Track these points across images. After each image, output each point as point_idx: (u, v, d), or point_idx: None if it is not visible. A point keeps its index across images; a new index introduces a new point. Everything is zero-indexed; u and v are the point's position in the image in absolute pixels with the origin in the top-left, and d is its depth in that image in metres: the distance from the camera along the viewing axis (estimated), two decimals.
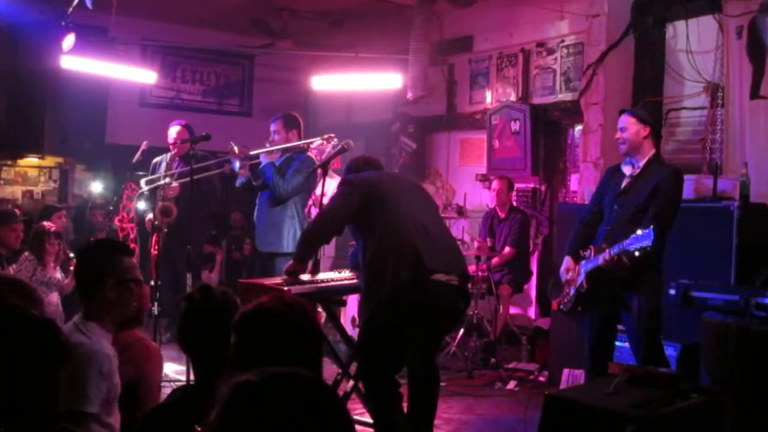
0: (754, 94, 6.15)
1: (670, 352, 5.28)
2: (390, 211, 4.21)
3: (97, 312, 2.93)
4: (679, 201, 4.73)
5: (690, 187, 5.84)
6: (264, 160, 6.02)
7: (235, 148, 5.95)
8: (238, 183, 6.24)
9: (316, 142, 5.99)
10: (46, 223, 6.40)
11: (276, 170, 6.00)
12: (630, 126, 4.76)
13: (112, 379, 2.88)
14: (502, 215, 7.75)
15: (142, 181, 6.80)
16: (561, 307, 4.96)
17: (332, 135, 5.82)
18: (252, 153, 6.07)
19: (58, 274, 6.24)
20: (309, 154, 6.23)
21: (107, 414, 2.84)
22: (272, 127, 6.23)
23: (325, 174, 5.10)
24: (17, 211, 6.85)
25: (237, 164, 6.02)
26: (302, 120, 6.55)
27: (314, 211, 6.57)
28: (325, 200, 4.96)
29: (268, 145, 6.17)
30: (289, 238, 6.05)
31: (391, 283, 4.06)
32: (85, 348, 2.80)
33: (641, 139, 4.74)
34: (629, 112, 4.90)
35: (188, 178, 5.96)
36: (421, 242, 4.13)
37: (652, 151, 4.77)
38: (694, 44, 6.73)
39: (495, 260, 7.49)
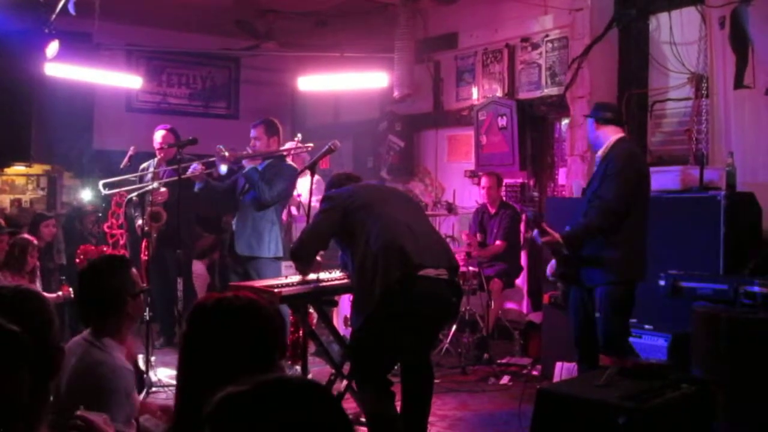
0: (738, 83, 6.19)
1: (661, 342, 5.32)
2: (372, 219, 4.24)
3: (115, 328, 2.96)
4: (626, 175, 4.72)
5: (677, 177, 5.87)
6: (247, 165, 6.01)
7: (225, 152, 5.91)
8: (196, 188, 6.18)
9: (288, 144, 6.04)
10: (28, 236, 6.38)
11: (260, 176, 5.99)
12: (587, 126, 5.09)
13: (133, 394, 2.90)
14: (492, 211, 7.77)
15: (100, 184, 6.70)
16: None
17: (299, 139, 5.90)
18: (240, 156, 6.06)
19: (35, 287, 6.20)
20: (289, 161, 6.27)
21: (129, 428, 2.84)
22: (253, 133, 6.21)
23: (313, 175, 5.11)
24: (2, 222, 6.83)
25: (223, 168, 5.98)
26: (290, 121, 6.57)
27: (293, 211, 6.63)
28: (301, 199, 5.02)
29: (249, 149, 6.16)
30: (271, 244, 6.06)
31: (381, 284, 4.07)
32: (107, 365, 2.82)
33: (595, 132, 4.97)
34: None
35: (176, 184, 5.94)
36: (406, 241, 4.14)
37: (610, 139, 4.88)
38: (678, 36, 6.76)
39: (486, 254, 7.50)
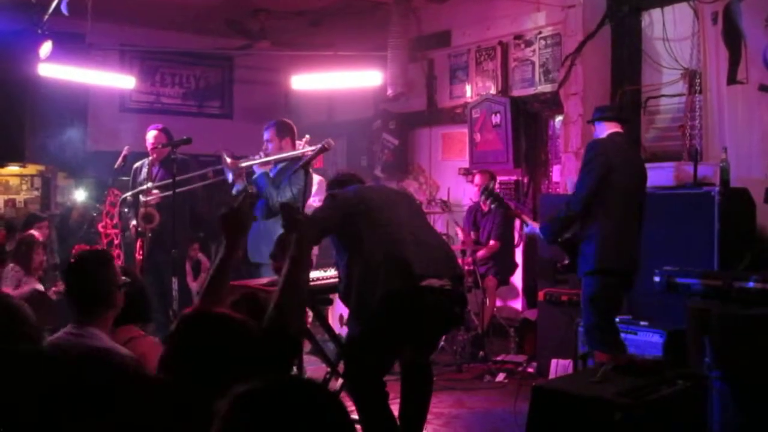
0: (731, 79, 6.20)
1: (656, 338, 5.32)
2: (377, 224, 4.13)
3: (101, 317, 3.02)
4: (588, 168, 4.90)
5: (671, 173, 5.88)
6: (258, 170, 5.89)
7: (228, 160, 5.82)
8: (234, 191, 6.11)
9: (304, 149, 5.92)
10: (34, 233, 6.39)
11: (270, 181, 5.86)
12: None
13: None
14: (485, 209, 7.76)
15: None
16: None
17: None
18: (243, 164, 5.90)
19: (39, 285, 6.22)
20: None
21: None
22: (265, 136, 6.00)
23: (306, 175, 5.08)
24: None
25: (230, 175, 5.88)
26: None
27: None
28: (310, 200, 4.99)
29: (261, 154, 6.00)
30: None
31: (382, 294, 3.98)
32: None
33: (594, 131, 5.21)
34: None
35: (170, 188, 5.89)
36: (410, 250, 4.07)
37: (603, 134, 5.10)
38: (671, 32, 6.77)
39: (480, 253, 7.51)
